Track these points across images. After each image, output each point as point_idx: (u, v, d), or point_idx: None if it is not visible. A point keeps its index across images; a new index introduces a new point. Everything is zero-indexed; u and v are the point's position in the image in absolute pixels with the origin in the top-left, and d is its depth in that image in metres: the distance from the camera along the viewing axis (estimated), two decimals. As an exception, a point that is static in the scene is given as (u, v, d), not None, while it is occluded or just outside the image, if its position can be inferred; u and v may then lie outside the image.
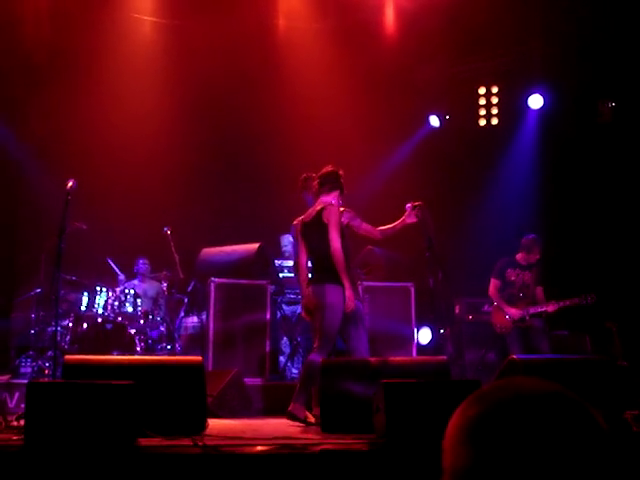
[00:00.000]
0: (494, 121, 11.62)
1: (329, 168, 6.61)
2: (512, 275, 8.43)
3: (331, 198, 6.47)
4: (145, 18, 11.34)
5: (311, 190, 6.93)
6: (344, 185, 6.58)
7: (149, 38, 11.36)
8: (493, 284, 8.49)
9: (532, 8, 10.43)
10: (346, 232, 6.48)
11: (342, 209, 6.57)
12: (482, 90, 11.67)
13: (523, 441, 0.92)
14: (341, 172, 6.59)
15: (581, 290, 8.12)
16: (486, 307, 9.54)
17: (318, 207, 6.44)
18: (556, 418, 0.94)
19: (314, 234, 6.43)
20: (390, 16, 11.02)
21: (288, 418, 5.97)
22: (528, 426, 0.93)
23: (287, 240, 9.82)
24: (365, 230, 6.67)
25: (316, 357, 5.95)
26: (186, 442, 4.22)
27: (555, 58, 10.89)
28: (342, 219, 6.43)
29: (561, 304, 8.15)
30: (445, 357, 6.35)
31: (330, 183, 6.52)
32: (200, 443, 4.11)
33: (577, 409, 0.96)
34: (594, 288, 8.12)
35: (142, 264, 9.97)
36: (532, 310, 8.23)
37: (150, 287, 9.88)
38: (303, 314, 6.66)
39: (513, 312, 8.25)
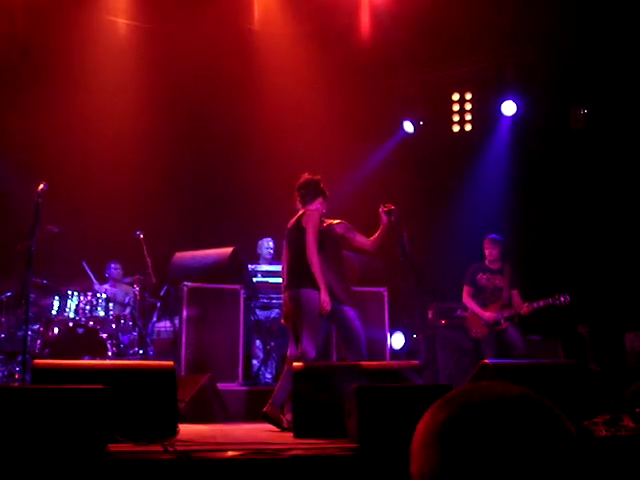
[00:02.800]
0: (467, 127, 11.68)
1: (306, 177, 6.60)
2: (483, 280, 8.49)
3: (315, 206, 6.49)
4: (120, 21, 11.28)
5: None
6: (325, 189, 6.59)
7: (123, 41, 11.29)
8: (466, 291, 8.55)
9: (505, 16, 10.49)
10: (342, 242, 6.57)
11: (338, 221, 6.63)
12: (456, 96, 11.72)
13: (490, 445, 0.91)
14: (318, 178, 6.59)
15: (552, 292, 8.18)
16: (459, 312, 9.58)
17: (300, 214, 6.46)
18: (523, 422, 0.93)
19: (294, 240, 6.46)
20: (365, 22, 11.05)
21: (263, 419, 5.95)
22: (495, 430, 0.92)
23: (266, 244, 9.80)
24: (359, 242, 6.71)
25: (298, 362, 5.93)
26: (157, 448, 4.18)
27: (528, 65, 10.99)
28: (338, 230, 6.47)
29: (535, 305, 8.20)
30: (418, 362, 6.36)
31: (312, 192, 6.54)
32: (171, 449, 4.07)
33: (544, 413, 0.96)
34: (564, 290, 8.18)
35: (114, 268, 9.91)
36: (506, 313, 8.28)
37: (122, 291, 9.82)
38: (282, 320, 6.64)
39: (488, 316, 8.30)
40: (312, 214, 6.37)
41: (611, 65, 10.17)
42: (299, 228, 6.38)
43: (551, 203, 10.70)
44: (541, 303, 8.18)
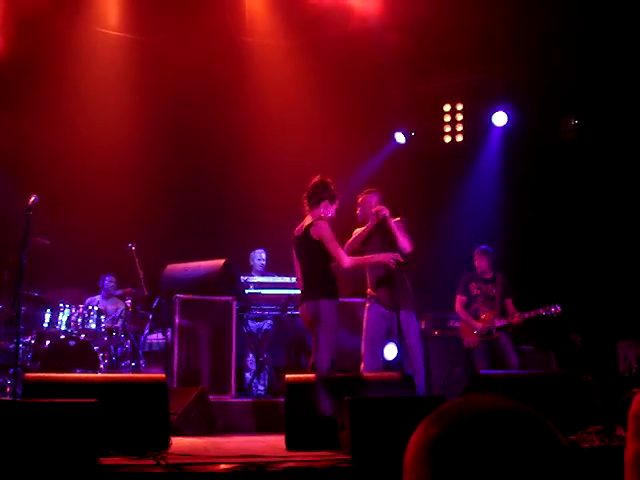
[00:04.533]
0: (459, 138, 11.71)
1: (315, 179, 6.53)
2: (475, 289, 8.50)
3: (320, 210, 6.40)
4: (111, 32, 11.28)
5: (362, 206, 6.98)
6: (334, 193, 6.48)
7: (115, 52, 11.28)
8: (459, 300, 8.55)
9: (496, 27, 10.55)
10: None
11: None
12: (447, 107, 11.76)
13: (482, 459, 0.91)
14: (328, 180, 6.53)
15: (544, 302, 8.18)
16: (452, 322, 9.58)
17: (307, 222, 6.39)
18: (515, 437, 0.93)
19: (303, 250, 6.38)
20: (357, 33, 11.07)
21: None
22: (487, 444, 0.92)
23: (259, 255, 9.79)
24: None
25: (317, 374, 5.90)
26: (149, 461, 4.16)
27: (519, 76, 11.03)
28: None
29: (525, 315, 8.21)
30: (410, 373, 6.35)
31: (317, 195, 6.44)
32: (163, 462, 4.06)
33: (537, 427, 0.95)
34: (557, 300, 8.19)
35: (108, 281, 9.88)
36: (499, 323, 8.28)
37: (113, 304, 9.79)
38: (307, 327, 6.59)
39: (480, 326, 8.31)
40: (321, 225, 6.26)
41: (601, 76, 10.22)
42: (308, 239, 6.27)
43: (542, 213, 10.73)
44: (532, 313, 8.17)
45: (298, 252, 6.46)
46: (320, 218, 6.32)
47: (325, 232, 6.22)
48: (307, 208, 6.46)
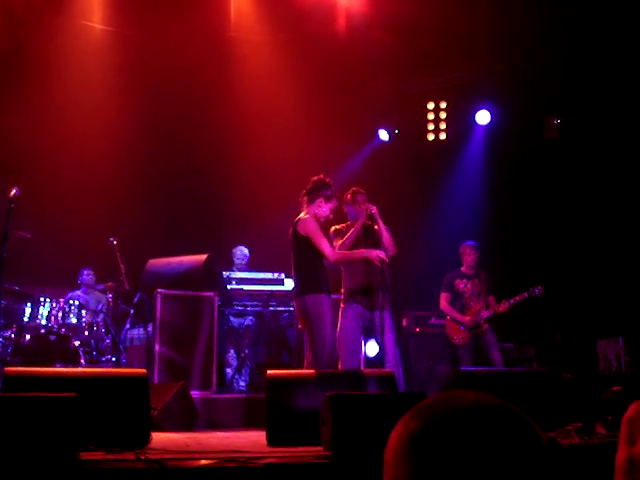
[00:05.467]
0: (442, 136, 11.75)
1: (315, 177, 6.60)
2: (460, 285, 8.55)
3: (314, 208, 6.47)
4: (95, 26, 11.22)
5: (353, 204, 7.01)
6: (331, 192, 6.57)
7: (99, 46, 11.23)
8: (444, 297, 8.58)
9: (480, 26, 10.58)
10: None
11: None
12: (431, 105, 11.79)
13: (463, 455, 0.91)
14: (327, 179, 6.56)
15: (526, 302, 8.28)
16: (433, 320, 9.62)
17: (296, 219, 6.45)
18: (496, 432, 0.93)
19: (292, 247, 6.48)
20: (341, 31, 11.07)
21: None
22: (467, 440, 0.92)
23: (240, 252, 9.78)
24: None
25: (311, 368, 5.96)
26: (129, 456, 4.15)
27: (502, 75, 11.07)
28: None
29: (511, 301, 8.31)
30: (391, 370, 6.37)
31: (313, 192, 6.52)
32: (143, 457, 4.04)
33: (518, 423, 0.96)
34: (539, 301, 8.27)
35: (86, 275, 9.84)
36: (485, 314, 8.34)
37: (94, 298, 9.75)
38: (300, 326, 6.65)
39: (467, 320, 8.36)
40: (306, 221, 6.34)
41: (584, 76, 10.27)
42: (296, 235, 6.37)
43: (525, 211, 10.78)
44: (517, 298, 8.30)
45: (291, 250, 6.52)
46: (306, 216, 6.37)
47: (311, 227, 6.27)
48: (304, 205, 6.53)
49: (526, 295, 8.25)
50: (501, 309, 8.31)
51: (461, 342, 8.41)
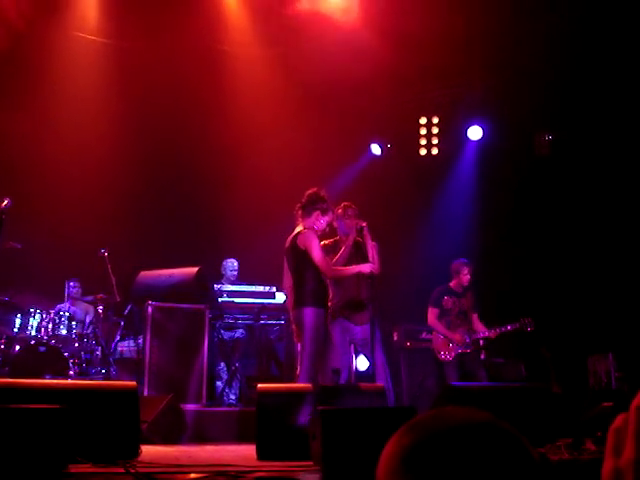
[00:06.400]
0: (434, 151, 11.78)
1: (310, 190, 6.60)
2: (449, 303, 8.53)
3: (311, 221, 6.47)
4: (89, 37, 11.22)
5: (344, 219, 7.03)
6: (326, 205, 6.57)
7: (92, 57, 11.23)
8: (432, 313, 8.57)
9: (472, 43, 10.63)
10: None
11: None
12: (423, 120, 11.83)
13: (455, 471, 0.92)
14: (322, 193, 6.57)
15: (516, 315, 8.28)
16: (424, 334, 9.61)
17: (295, 232, 6.45)
18: (488, 448, 0.94)
19: (291, 259, 6.48)
20: (336, 46, 11.10)
21: None
22: (460, 456, 0.93)
23: (231, 265, 9.77)
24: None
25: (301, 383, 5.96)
26: (118, 469, 4.13)
27: (495, 91, 11.13)
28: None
29: (502, 329, 8.30)
30: (382, 384, 6.37)
31: (309, 206, 6.52)
32: (132, 470, 4.03)
33: (508, 440, 0.96)
34: (529, 315, 8.29)
35: (72, 287, 9.79)
36: (474, 336, 8.35)
37: (81, 310, 9.71)
38: (295, 338, 6.66)
39: (457, 338, 8.35)
40: (308, 235, 6.35)
41: (576, 92, 10.33)
42: (295, 249, 6.37)
43: (515, 227, 10.81)
44: (508, 327, 8.27)
45: (288, 262, 6.52)
46: (307, 229, 6.38)
47: (311, 241, 6.28)
48: (299, 219, 6.53)
49: (518, 326, 8.25)
50: (491, 335, 8.34)
51: (447, 359, 8.39)
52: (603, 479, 0.87)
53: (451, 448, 0.94)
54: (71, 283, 9.80)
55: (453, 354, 8.36)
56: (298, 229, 6.46)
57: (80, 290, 9.84)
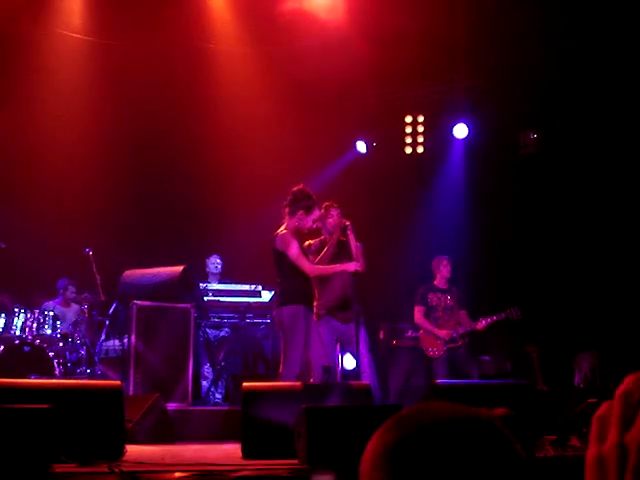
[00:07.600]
0: (420, 149, 11.78)
1: (295, 188, 6.57)
2: (434, 299, 8.57)
3: (296, 220, 6.46)
4: (74, 35, 11.15)
5: (327, 218, 7.02)
6: (311, 203, 6.54)
7: (77, 55, 11.16)
8: (418, 310, 8.59)
9: (457, 40, 10.65)
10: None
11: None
12: (408, 118, 11.83)
13: (439, 466, 0.91)
14: (306, 189, 6.55)
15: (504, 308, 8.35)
16: (410, 332, 9.62)
17: (275, 233, 6.46)
18: (473, 444, 0.93)
19: (274, 260, 6.51)
20: (321, 44, 11.09)
21: None
22: (445, 452, 0.92)
23: (214, 262, 9.73)
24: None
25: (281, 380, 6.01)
26: (102, 469, 4.10)
27: (480, 89, 11.15)
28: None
29: (489, 320, 8.34)
30: (368, 382, 6.38)
31: (294, 204, 6.49)
32: (117, 469, 4.00)
33: (494, 435, 0.96)
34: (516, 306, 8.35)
35: (71, 292, 9.71)
36: (461, 330, 8.37)
37: (72, 311, 9.66)
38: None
39: (444, 333, 8.38)
40: (284, 236, 6.36)
41: (561, 90, 10.38)
42: (275, 251, 6.43)
43: (501, 225, 10.83)
44: (495, 318, 8.33)
45: (273, 261, 6.56)
46: (283, 232, 6.37)
47: (287, 243, 6.29)
48: (285, 217, 6.51)
49: (503, 316, 8.31)
50: (479, 327, 8.35)
51: (435, 355, 8.42)
52: (587, 466, 0.87)
53: (435, 443, 0.93)
54: (70, 287, 9.72)
55: (442, 350, 8.38)
56: (279, 230, 6.46)
57: (75, 291, 9.78)
